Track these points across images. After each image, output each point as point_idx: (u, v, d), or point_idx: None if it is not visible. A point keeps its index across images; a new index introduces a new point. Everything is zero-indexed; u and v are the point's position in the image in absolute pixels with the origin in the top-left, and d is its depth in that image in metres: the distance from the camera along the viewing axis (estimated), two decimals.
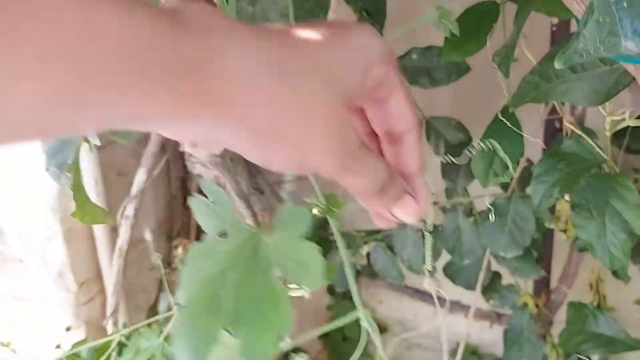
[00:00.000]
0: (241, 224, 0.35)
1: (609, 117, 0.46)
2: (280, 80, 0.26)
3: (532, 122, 0.86)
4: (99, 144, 0.51)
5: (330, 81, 0.27)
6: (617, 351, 0.65)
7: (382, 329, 1.35)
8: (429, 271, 0.46)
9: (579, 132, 0.54)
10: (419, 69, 0.83)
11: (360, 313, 0.34)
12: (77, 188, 0.53)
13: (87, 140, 0.54)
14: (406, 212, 0.33)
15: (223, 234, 0.35)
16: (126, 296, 1.09)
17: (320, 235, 1.14)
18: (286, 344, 0.49)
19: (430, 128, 0.88)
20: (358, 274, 1.11)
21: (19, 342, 1.03)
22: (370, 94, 0.32)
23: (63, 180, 0.54)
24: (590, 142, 0.53)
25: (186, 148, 0.76)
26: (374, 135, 0.35)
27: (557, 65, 0.32)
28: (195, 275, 0.32)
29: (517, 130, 0.66)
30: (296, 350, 0.33)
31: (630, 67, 0.39)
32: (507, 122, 0.55)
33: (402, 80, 0.32)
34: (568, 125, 0.54)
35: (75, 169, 0.52)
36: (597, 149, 0.53)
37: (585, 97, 0.43)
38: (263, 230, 0.34)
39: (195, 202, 0.36)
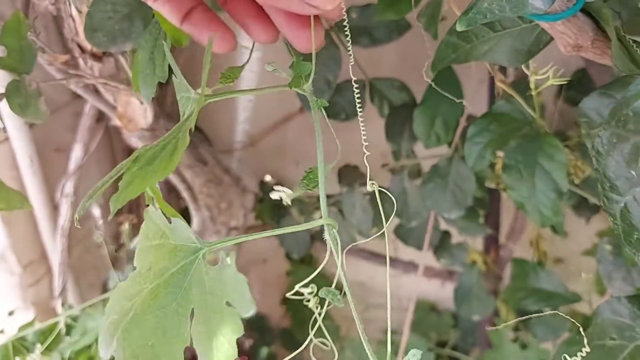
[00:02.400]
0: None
1: (533, 76, 0.45)
2: None
3: (472, 79, 0.85)
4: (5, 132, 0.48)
5: None
6: (555, 305, 0.67)
7: (342, 291, 1.36)
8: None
9: (509, 91, 0.53)
10: (359, 28, 0.81)
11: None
12: None
13: None
14: None
15: None
16: (77, 274, 1.06)
17: (273, 202, 1.13)
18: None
19: (374, 89, 0.86)
20: (312, 239, 1.11)
21: None
22: None
23: None
24: (520, 101, 0.52)
25: (116, 122, 0.72)
26: None
27: (459, 27, 0.30)
28: None
29: (450, 96, 0.65)
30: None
31: (545, 25, 0.37)
32: (437, 87, 0.54)
33: None
34: (499, 84, 0.53)
35: None
36: (527, 109, 0.52)
37: (507, 57, 0.42)
38: None
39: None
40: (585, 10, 0.37)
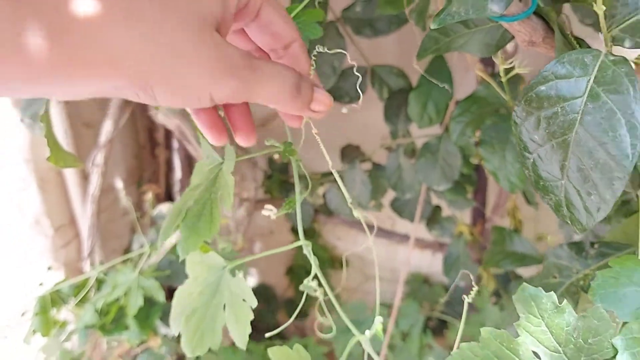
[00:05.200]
0: (215, 155, 0.47)
1: (502, 65, 0.54)
2: (128, 16, 0.27)
3: (461, 68, 0.94)
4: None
5: (187, 5, 0.29)
6: (527, 264, 0.77)
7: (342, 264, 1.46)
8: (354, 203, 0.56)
9: (486, 78, 0.62)
10: (362, 20, 0.90)
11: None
12: (50, 136, 0.59)
13: None
14: (323, 103, 0.37)
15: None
16: (101, 241, 1.16)
17: (280, 178, 1.23)
18: (254, 280, 0.59)
19: (375, 75, 0.95)
20: (316, 212, 1.21)
21: (2, 288, 1.11)
22: (239, 13, 0.34)
23: (36, 129, 0.61)
24: (495, 86, 0.62)
25: None
26: (264, 53, 0.39)
27: (433, 25, 0.39)
28: (194, 180, 0.47)
29: (437, 82, 0.75)
30: None
31: (505, 25, 0.47)
32: (431, 75, 0.63)
33: None
34: (477, 72, 0.62)
35: (47, 119, 0.59)
36: (501, 93, 0.62)
37: (479, 49, 0.51)
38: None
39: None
40: (537, 13, 0.46)
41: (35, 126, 0.61)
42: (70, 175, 1.03)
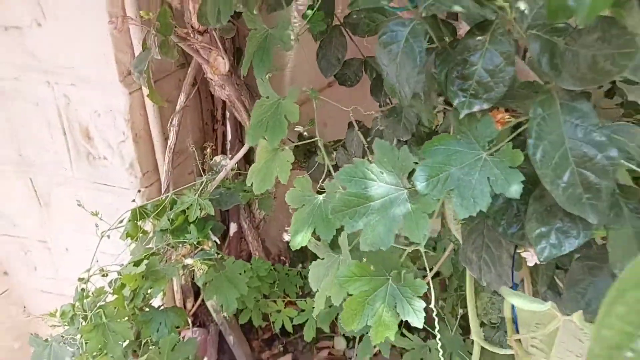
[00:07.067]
0: (274, 94, 0.88)
1: None
2: None
3: None
4: (158, 57, 0.99)
5: None
6: None
7: None
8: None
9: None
10: (357, 23, 1.28)
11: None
12: (150, 83, 1.01)
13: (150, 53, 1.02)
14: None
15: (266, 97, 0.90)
16: (173, 188, 1.59)
17: (304, 147, 1.62)
18: (287, 236, 1.00)
19: (367, 64, 1.33)
20: (328, 174, 1.59)
21: (105, 213, 1.55)
22: None
23: (142, 80, 1.03)
24: None
25: (208, 74, 1.23)
26: None
27: (349, 8, 0.77)
28: (256, 111, 0.89)
29: None
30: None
31: (399, 13, 0.84)
32: None
33: None
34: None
35: (148, 72, 1.01)
36: None
37: None
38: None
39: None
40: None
41: (141, 77, 1.03)
42: (156, 134, 1.46)
